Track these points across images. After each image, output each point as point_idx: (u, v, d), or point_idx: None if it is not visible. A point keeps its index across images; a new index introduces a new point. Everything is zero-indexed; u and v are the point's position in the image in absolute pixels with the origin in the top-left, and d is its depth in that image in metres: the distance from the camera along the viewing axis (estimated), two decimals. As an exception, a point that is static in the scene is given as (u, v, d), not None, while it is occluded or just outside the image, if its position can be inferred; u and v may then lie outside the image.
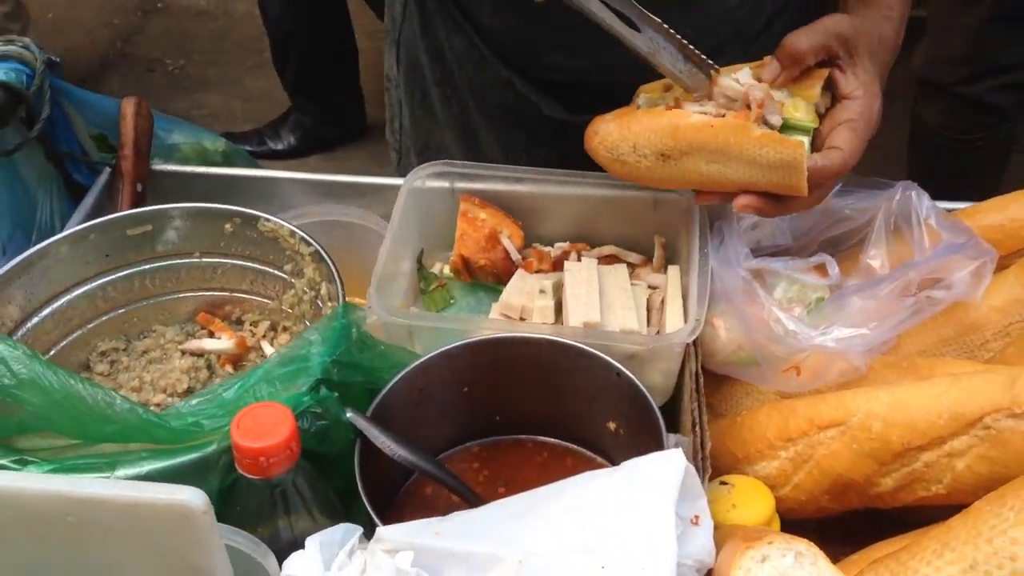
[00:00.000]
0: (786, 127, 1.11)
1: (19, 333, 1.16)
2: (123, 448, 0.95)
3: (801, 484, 1.10)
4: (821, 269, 1.23)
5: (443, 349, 1.11)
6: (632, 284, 1.24)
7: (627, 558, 0.85)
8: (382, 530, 0.90)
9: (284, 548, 0.92)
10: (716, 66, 1.15)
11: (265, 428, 0.90)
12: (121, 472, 0.90)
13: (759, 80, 1.12)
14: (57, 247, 1.19)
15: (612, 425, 1.13)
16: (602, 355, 1.09)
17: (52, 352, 1.20)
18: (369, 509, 0.97)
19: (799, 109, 1.12)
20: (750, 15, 1.36)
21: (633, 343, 1.13)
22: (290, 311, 1.24)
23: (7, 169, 1.38)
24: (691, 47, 1.13)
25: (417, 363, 1.10)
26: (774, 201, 1.12)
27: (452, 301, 1.32)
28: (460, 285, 1.33)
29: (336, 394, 0.99)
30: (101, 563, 0.87)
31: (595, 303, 1.18)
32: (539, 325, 1.18)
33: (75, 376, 0.90)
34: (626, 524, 0.88)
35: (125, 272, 1.24)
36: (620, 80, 1.21)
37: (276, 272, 1.23)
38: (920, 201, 1.19)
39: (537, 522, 0.90)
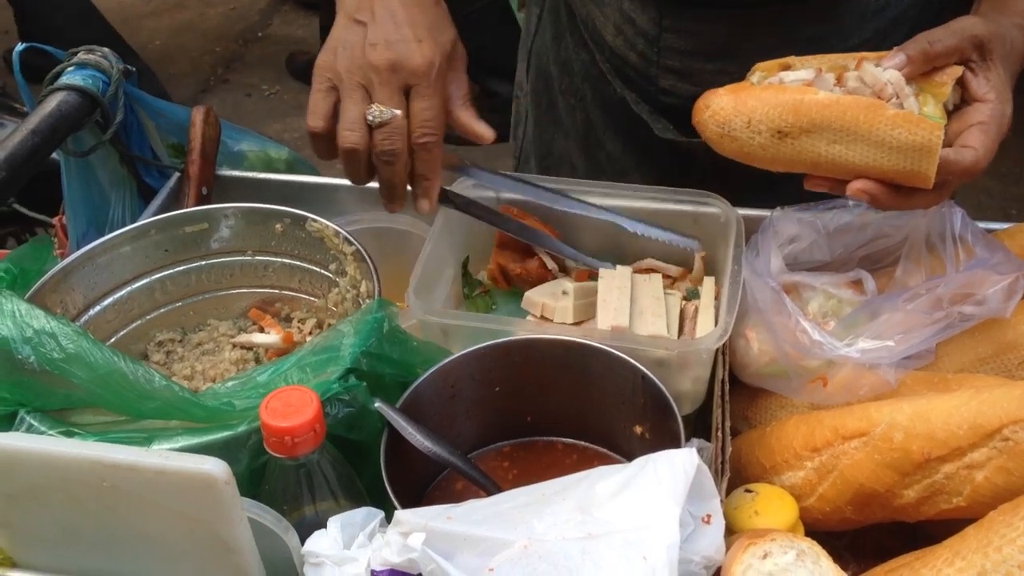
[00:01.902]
0: None
1: (82, 320, 1.23)
2: (163, 425, 1.00)
3: (825, 495, 1.10)
4: (857, 285, 1.24)
5: (475, 348, 1.15)
6: (666, 293, 1.25)
7: (629, 546, 0.87)
8: (399, 513, 0.93)
9: (308, 529, 0.96)
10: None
11: (292, 409, 0.94)
12: (156, 446, 0.96)
13: None
14: (120, 242, 1.26)
15: (639, 429, 1.15)
16: (628, 358, 1.12)
17: (112, 340, 1.27)
18: (390, 492, 1.01)
19: (927, 104, 1.08)
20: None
21: (661, 348, 1.15)
22: (334, 309, 1.29)
23: (84, 171, 1.47)
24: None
25: (449, 360, 1.14)
26: (892, 191, 1.09)
27: (494, 307, 1.36)
28: (503, 292, 1.36)
29: (364, 384, 1.04)
30: (132, 529, 0.93)
31: (625, 308, 1.20)
32: (568, 327, 1.21)
33: (118, 353, 0.96)
34: (631, 514, 0.90)
35: (182, 268, 1.30)
36: None
37: (322, 271, 1.29)
38: (955, 218, 1.18)
39: (545, 510, 0.92)
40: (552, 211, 1.33)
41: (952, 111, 1.12)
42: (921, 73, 1.10)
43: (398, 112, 1.14)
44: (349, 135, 1.14)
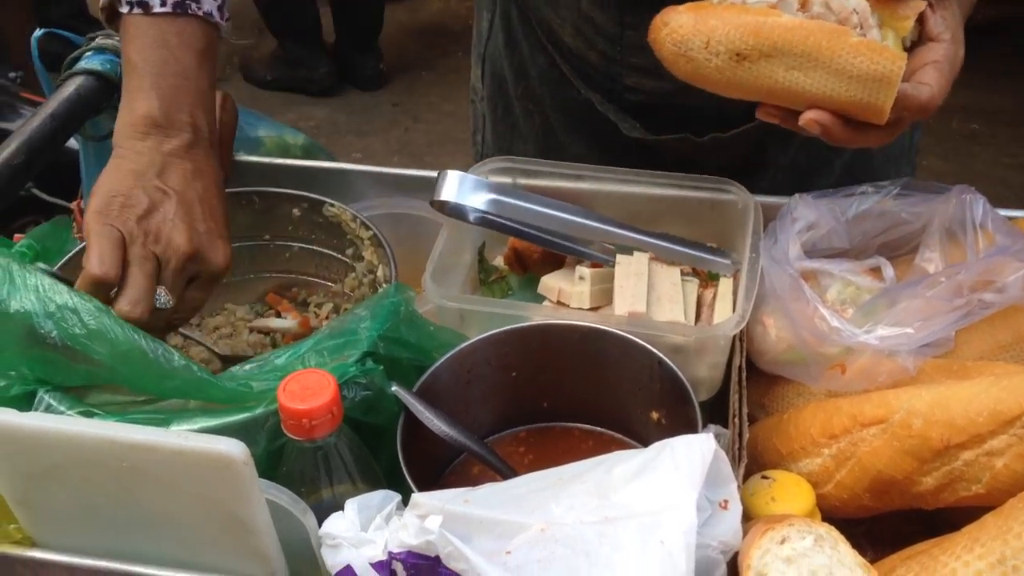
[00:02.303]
0: None
1: (101, 303, 1.24)
2: (182, 406, 1.01)
3: (843, 482, 1.10)
4: (876, 272, 1.23)
5: (492, 333, 1.15)
6: (683, 280, 1.25)
7: (647, 530, 0.87)
8: (416, 496, 0.94)
9: (325, 511, 0.97)
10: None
11: (309, 392, 0.94)
12: (174, 427, 0.96)
13: None
14: (139, 225, 1.27)
15: (655, 415, 1.15)
16: (645, 344, 1.12)
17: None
18: (407, 476, 1.01)
19: (888, 38, 1.07)
20: None
21: (678, 334, 1.15)
22: (351, 294, 1.29)
23: (102, 155, 1.47)
24: None
25: (465, 345, 1.14)
26: (845, 124, 1.06)
27: (510, 293, 1.36)
28: (519, 278, 1.36)
29: (381, 367, 1.04)
30: (150, 510, 0.93)
31: (642, 295, 1.20)
32: (585, 313, 1.20)
33: (138, 331, 0.97)
34: (648, 499, 0.90)
35: (200, 252, 1.31)
36: (700, 101, 1.20)
37: (339, 256, 1.29)
38: (976, 205, 1.18)
39: (562, 494, 0.92)
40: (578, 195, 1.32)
41: (908, 49, 1.10)
42: (885, 3, 1.08)
43: (174, 300, 1.11)
44: (135, 309, 1.05)
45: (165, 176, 1.13)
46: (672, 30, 1.08)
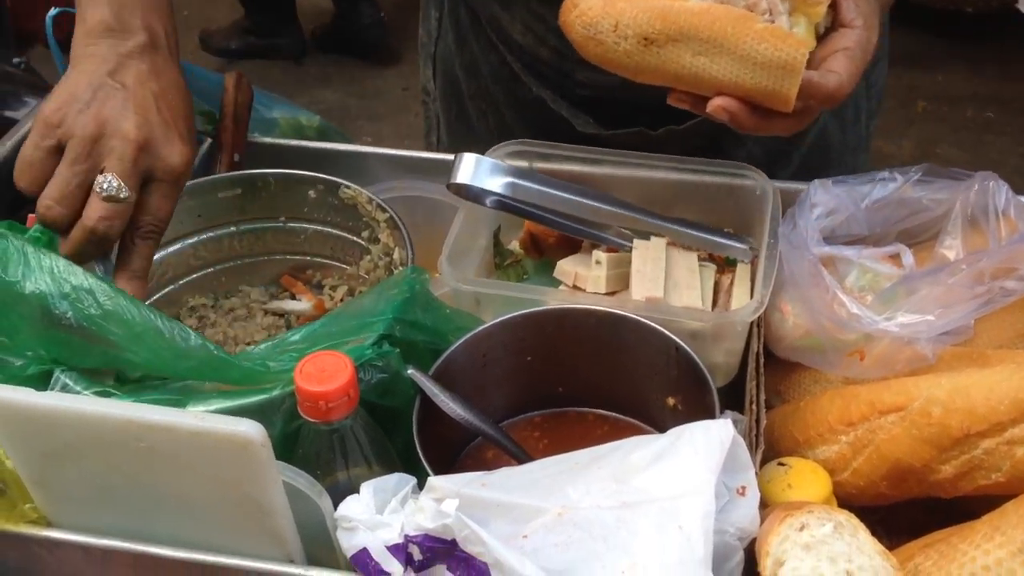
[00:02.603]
0: None
1: (115, 284, 1.24)
2: (196, 387, 1.00)
3: (860, 469, 1.09)
4: (895, 259, 1.22)
5: (507, 317, 1.14)
6: (700, 265, 1.24)
7: (665, 515, 0.87)
8: (433, 479, 0.93)
9: (341, 494, 0.96)
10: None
11: (326, 374, 0.94)
12: (191, 407, 0.96)
13: None
14: (153, 206, 1.26)
15: (671, 401, 1.14)
16: (662, 330, 1.11)
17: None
18: (423, 459, 1.01)
19: (800, 26, 1.05)
20: None
21: (695, 319, 1.14)
22: (366, 276, 1.28)
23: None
24: None
25: (481, 328, 1.13)
26: (753, 111, 1.05)
27: (526, 277, 1.35)
28: (535, 263, 1.36)
29: (397, 350, 1.03)
30: (166, 490, 0.93)
31: (659, 280, 1.19)
32: (602, 297, 1.20)
33: (154, 311, 0.96)
34: (666, 484, 0.89)
35: (215, 233, 1.30)
36: (651, 94, 1.17)
37: (354, 238, 1.29)
38: (999, 192, 1.16)
39: (579, 479, 0.92)
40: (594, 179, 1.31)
41: (822, 36, 1.08)
42: None
43: (132, 194, 1.03)
44: (52, 209, 1.00)
45: (119, 74, 1.07)
46: (581, 12, 1.06)
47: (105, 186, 1.02)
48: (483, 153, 1.27)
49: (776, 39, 1.00)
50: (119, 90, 1.06)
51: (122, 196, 1.02)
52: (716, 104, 1.04)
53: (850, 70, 1.04)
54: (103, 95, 1.05)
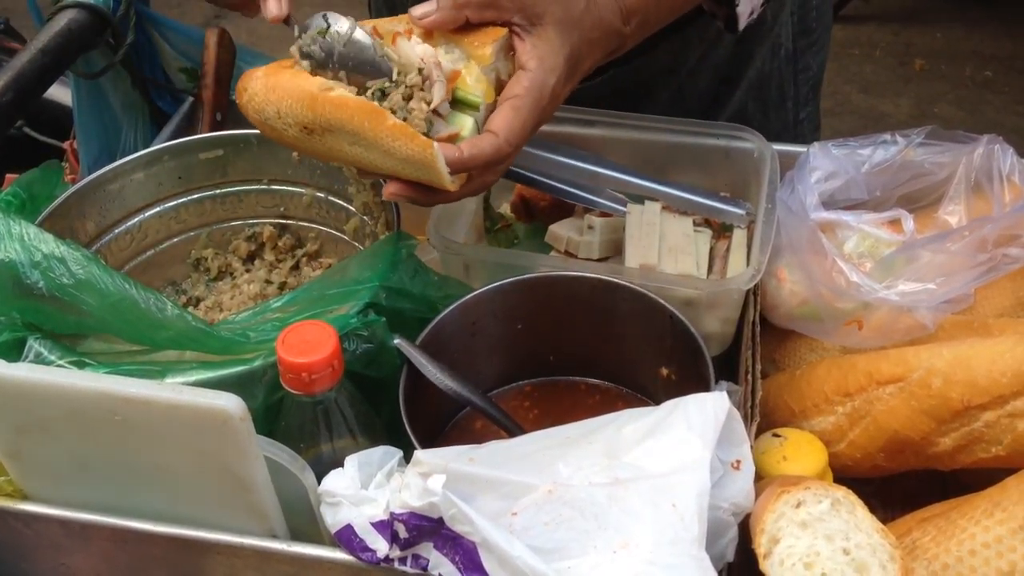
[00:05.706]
0: (456, 101, 0.98)
1: (93, 248, 1.20)
2: (178, 357, 0.97)
3: (856, 441, 1.07)
4: (896, 224, 1.19)
5: (497, 284, 1.11)
6: (696, 231, 1.21)
7: (658, 492, 0.84)
8: (419, 453, 0.91)
9: (325, 467, 0.94)
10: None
11: (309, 345, 0.91)
12: (170, 379, 0.93)
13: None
14: (132, 168, 1.22)
15: (664, 371, 1.11)
16: (656, 298, 1.08)
17: (125, 269, 1.24)
18: (409, 432, 0.98)
19: (472, 75, 0.98)
20: None
21: (689, 287, 1.11)
22: (352, 241, 1.25)
23: (95, 94, 1.43)
24: None
25: (470, 296, 1.10)
26: (426, 191, 0.98)
27: (516, 242, 1.32)
28: (526, 227, 1.33)
29: (383, 319, 1.00)
30: (144, 464, 0.91)
31: (653, 246, 1.16)
32: (595, 264, 1.17)
33: (129, 280, 0.93)
34: (660, 460, 0.87)
35: (197, 195, 1.26)
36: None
37: (340, 201, 1.25)
38: (1004, 156, 1.13)
39: (570, 454, 0.89)
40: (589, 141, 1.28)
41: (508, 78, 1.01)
42: (463, 32, 1.00)
43: None
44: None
45: None
46: (250, 97, 1.00)
47: None
48: None
49: (406, 138, 0.94)
50: None
51: None
52: (389, 192, 0.99)
53: (512, 125, 0.96)
54: None
